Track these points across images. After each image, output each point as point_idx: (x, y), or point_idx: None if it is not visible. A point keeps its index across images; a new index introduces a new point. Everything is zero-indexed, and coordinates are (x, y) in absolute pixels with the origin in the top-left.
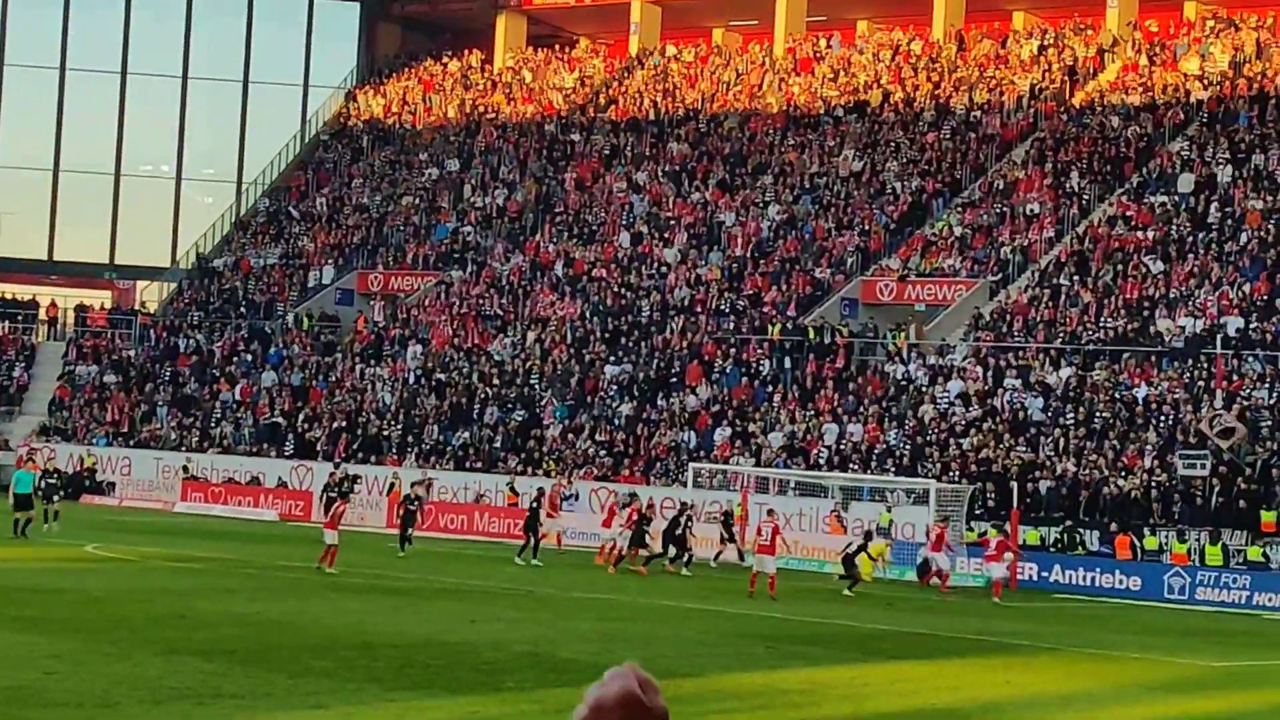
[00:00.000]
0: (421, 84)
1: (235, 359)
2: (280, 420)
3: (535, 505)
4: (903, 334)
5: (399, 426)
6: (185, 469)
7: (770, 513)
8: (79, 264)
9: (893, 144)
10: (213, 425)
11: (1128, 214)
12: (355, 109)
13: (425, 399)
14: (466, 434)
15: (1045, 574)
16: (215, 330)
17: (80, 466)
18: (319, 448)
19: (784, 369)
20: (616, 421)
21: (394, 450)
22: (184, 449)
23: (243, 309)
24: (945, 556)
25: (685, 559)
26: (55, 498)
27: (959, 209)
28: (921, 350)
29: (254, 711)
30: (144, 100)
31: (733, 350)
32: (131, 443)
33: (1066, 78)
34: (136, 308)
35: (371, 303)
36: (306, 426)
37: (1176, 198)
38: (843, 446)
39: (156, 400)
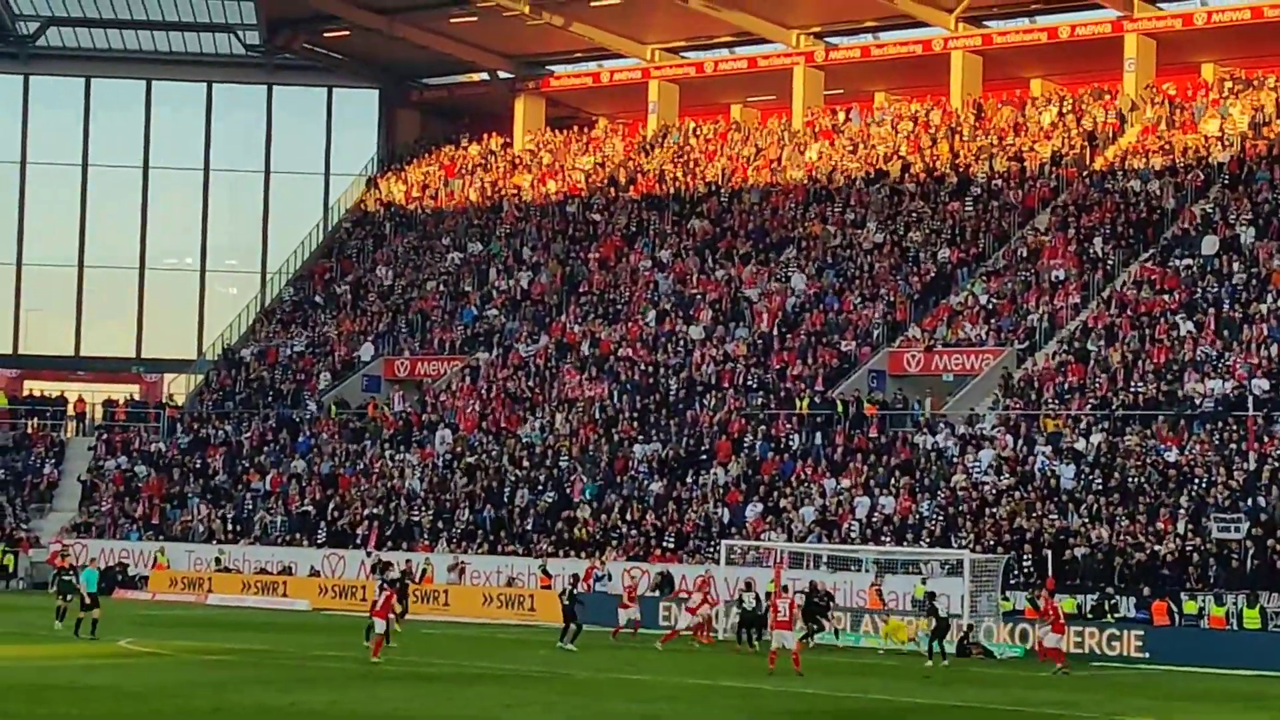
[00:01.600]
0: (442, 168)
1: (265, 449)
2: (310, 509)
3: (572, 590)
4: (920, 405)
5: (430, 512)
6: (218, 561)
7: (785, 589)
8: (106, 359)
9: (915, 214)
10: (244, 516)
11: (1152, 278)
12: (377, 195)
13: (455, 483)
14: (497, 512)
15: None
16: (243, 420)
17: (114, 562)
18: (357, 534)
19: (813, 443)
20: (647, 500)
21: (425, 536)
22: (215, 541)
23: (270, 398)
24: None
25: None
26: (69, 596)
27: (984, 277)
28: (950, 420)
29: None
30: (166, 193)
31: (761, 426)
32: (162, 536)
33: (1086, 143)
34: (164, 400)
35: (395, 390)
36: (337, 514)
37: (1201, 260)
38: (874, 519)
39: (187, 492)
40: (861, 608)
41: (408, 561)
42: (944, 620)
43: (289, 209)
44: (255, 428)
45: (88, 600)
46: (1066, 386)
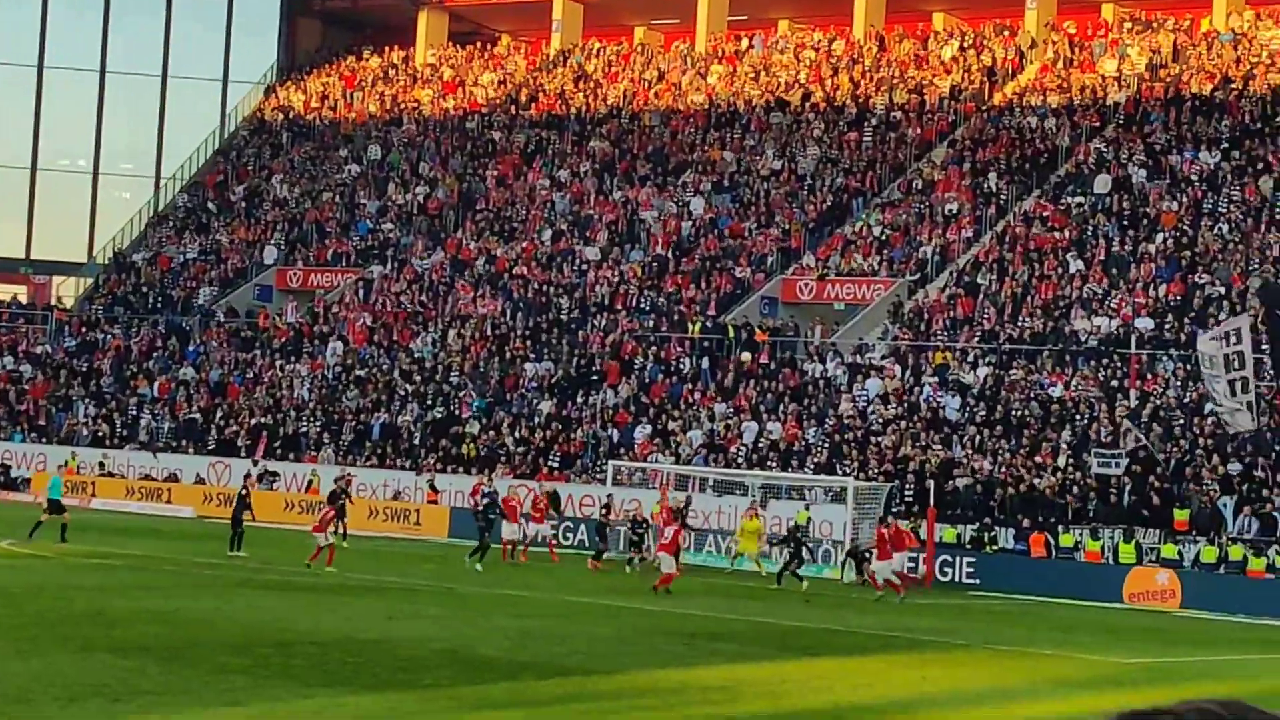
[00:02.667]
0: (342, 79)
1: (153, 355)
2: (198, 416)
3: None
4: (811, 333)
5: (318, 424)
6: (102, 465)
7: (677, 512)
8: None
9: (813, 143)
10: (131, 421)
11: (1045, 214)
12: (275, 104)
13: (345, 395)
14: (385, 416)
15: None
16: (133, 325)
17: None
18: (238, 444)
19: (703, 367)
20: (536, 419)
21: (312, 447)
22: (104, 445)
23: (160, 304)
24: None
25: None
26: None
27: (878, 209)
28: (840, 349)
29: (170, 709)
30: (61, 95)
31: (653, 349)
32: (46, 440)
33: (986, 78)
34: (53, 303)
35: (289, 300)
36: (225, 423)
37: (1093, 198)
38: (761, 444)
39: (73, 395)
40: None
41: (344, 477)
42: (799, 548)
43: (185, 115)
44: (144, 333)
45: (55, 506)
46: (955, 319)
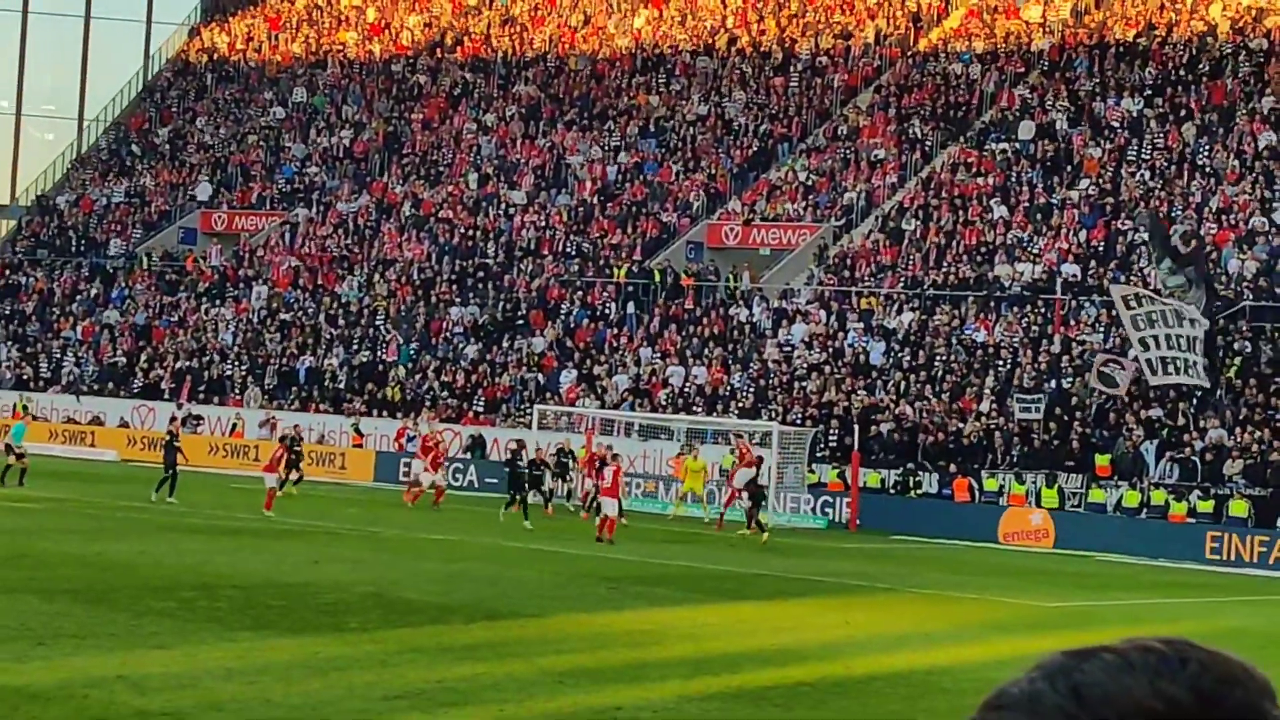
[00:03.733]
0: (267, 21)
1: (77, 298)
2: (122, 360)
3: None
4: (736, 278)
5: (243, 367)
6: (24, 408)
7: (615, 456)
8: None
9: (739, 88)
10: (54, 364)
11: (969, 160)
12: (199, 45)
13: (270, 339)
14: (310, 360)
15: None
16: (56, 268)
17: None
18: (163, 387)
19: (629, 312)
20: (461, 363)
21: (237, 391)
22: (26, 389)
23: (84, 248)
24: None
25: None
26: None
27: (804, 154)
28: (765, 294)
29: (95, 652)
30: None
31: (579, 293)
32: None
33: (911, 24)
34: None
35: (214, 243)
36: (149, 366)
37: (1017, 145)
38: (686, 389)
39: None
40: (670, 476)
41: (295, 426)
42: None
43: (109, 56)
44: (67, 276)
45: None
46: (880, 265)
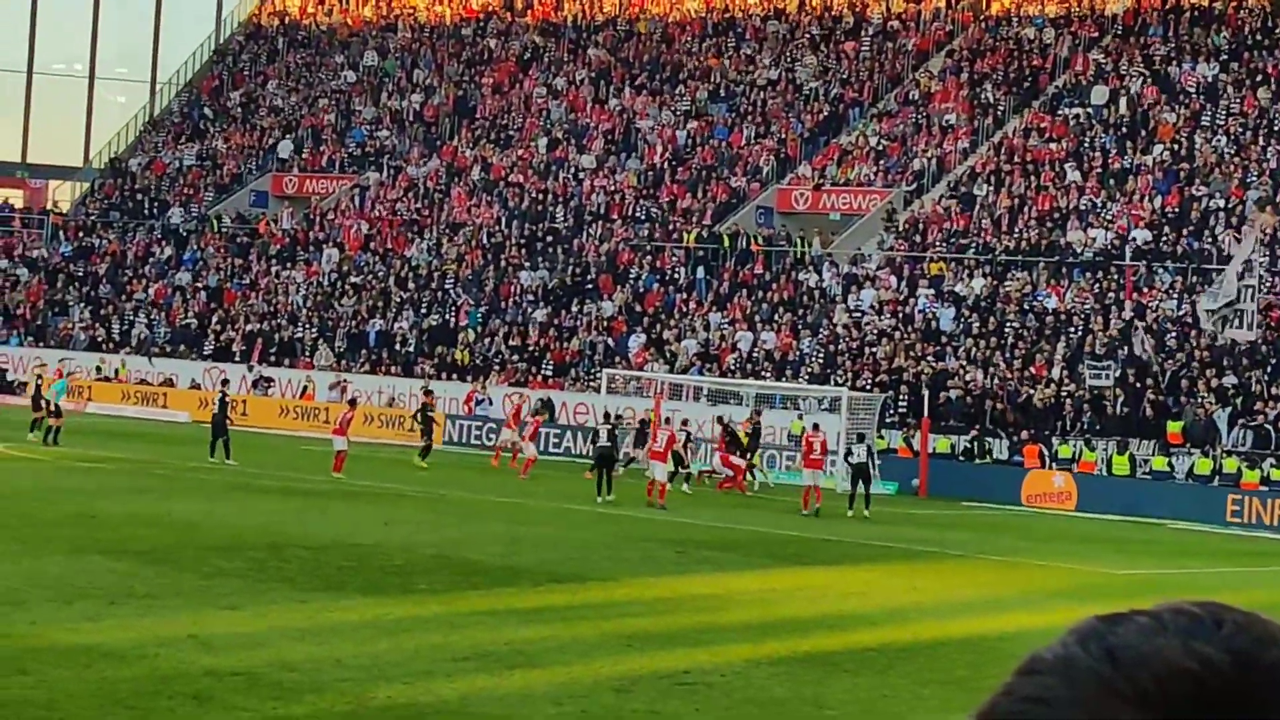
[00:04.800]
0: None
1: (149, 260)
2: (194, 322)
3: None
4: (806, 243)
5: (313, 330)
6: (98, 370)
7: (667, 421)
8: None
9: (810, 52)
10: (127, 326)
11: (1041, 125)
12: (271, 8)
13: (340, 303)
14: (380, 324)
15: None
16: (128, 231)
17: None
18: (234, 350)
19: (699, 277)
20: (530, 327)
21: (307, 354)
22: (99, 350)
23: (156, 210)
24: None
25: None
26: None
27: (875, 119)
28: (835, 259)
29: (164, 611)
30: None
31: (648, 258)
32: (43, 344)
33: None
34: (49, 207)
35: (283, 207)
36: (221, 329)
37: (1090, 110)
38: (755, 354)
39: (69, 300)
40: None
41: (428, 394)
42: (861, 466)
43: (181, 19)
44: (140, 239)
45: (55, 409)
46: (951, 231)
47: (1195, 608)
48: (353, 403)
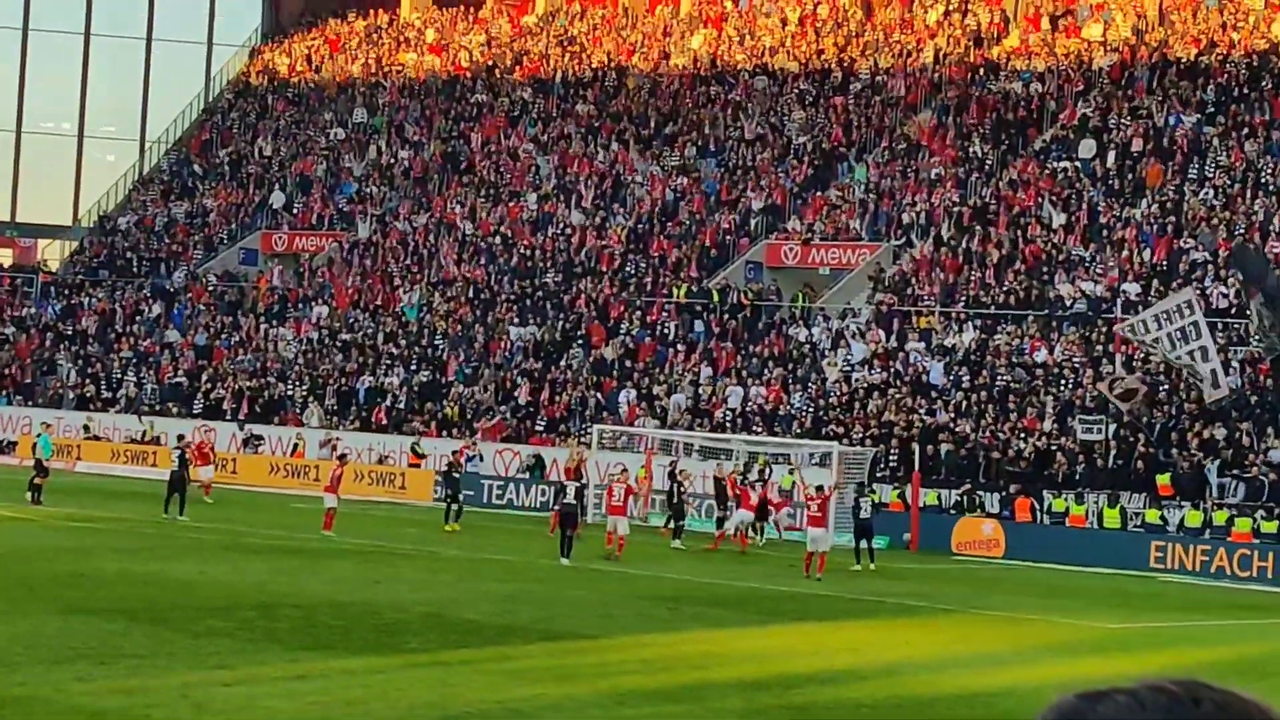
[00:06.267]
0: (327, 42)
1: (139, 318)
2: (183, 380)
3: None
4: (805, 298)
5: (303, 387)
6: (86, 428)
7: (623, 473)
8: None
9: (798, 106)
10: (115, 385)
11: (1029, 178)
12: (260, 66)
13: (330, 358)
14: (370, 380)
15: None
16: (118, 288)
17: None
18: (224, 407)
19: (689, 331)
20: (520, 382)
21: (298, 410)
22: (88, 408)
23: (145, 268)
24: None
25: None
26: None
27: (863, 173)
28: (825, 313)
29: (155, 672)
30: (46, 57)
31: (637, 312)
32: (32, 402)
33: (971, 43)
34: (38, 266)
35: (272, 264)
36: (211, 386)
37: (1078, 163)
38: (746, 408)
39: (58, 359)
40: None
41: (455, 453)
42: (866, 522)
43: (170, 77)
44: (129, 296)
45: (41, 466)
46: (940, 284)
47: (1175, 686)
48: (342, 459)
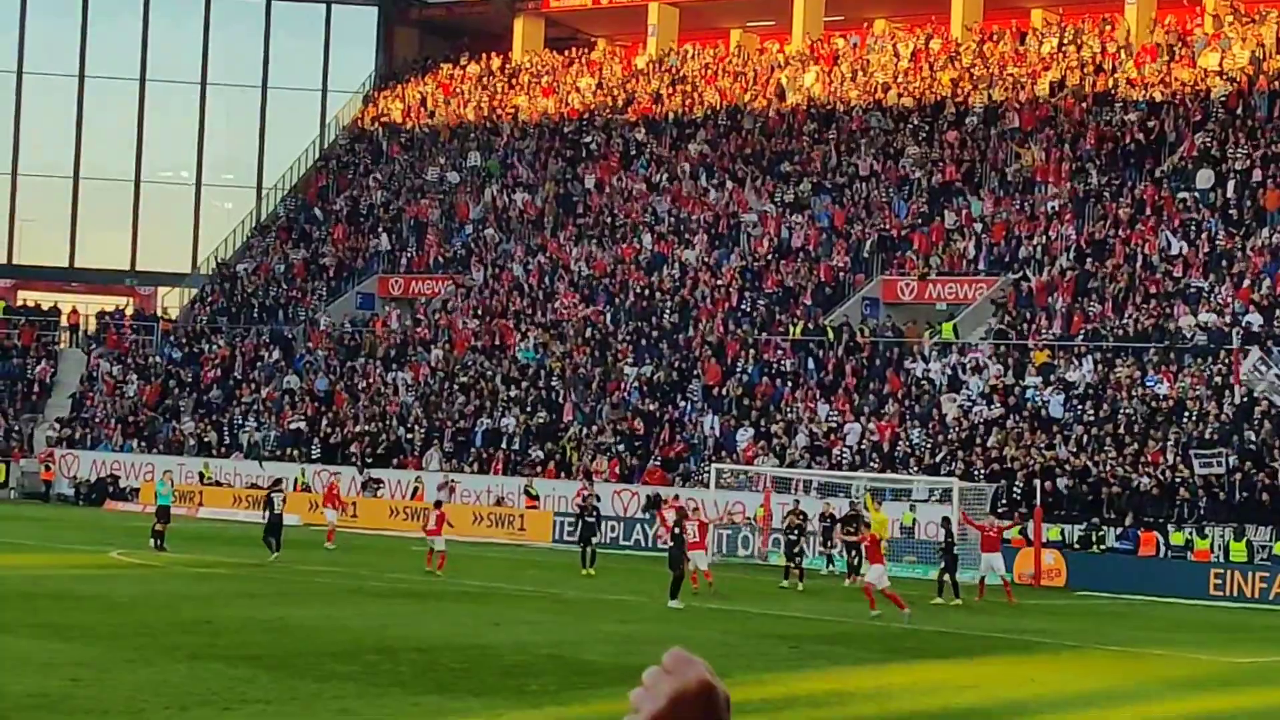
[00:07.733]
0: (440, 87)
1: (258, 364)
2: (303, 425)
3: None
4: (927, 333)
5: (421, 430)
6: (202, 475)
7: (696, 510)
8: (100, 271)
9: (913, 142)
10: (236, 431)
11: (1147, 210)
12: (374, 112)
13: (448, 402)
14: (488, 422)
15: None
16: (237, 335)
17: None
18: (349, 451)
19: (806, 369)
20: (637, 423)
21: (416, 453)
22: (209, 454)
23: (264, 314)
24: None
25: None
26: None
27: (979, 206)
28: (942, 348)
29: (281, 716)
30: (163, 107)
31: (753, 350)
32: (154, 449)
33: (1085, 74)
34: (158, 314)
35: (388, 307)
36: (331, 431)
37: (1196, 193)
38: (864, 445)
39: (179, 405)
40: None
41: (585, 491)
42: (951, 552)
43: (285, 125)
44: (249, 342)
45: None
46: (1058, 317)
47: None
48: (438, 503)
